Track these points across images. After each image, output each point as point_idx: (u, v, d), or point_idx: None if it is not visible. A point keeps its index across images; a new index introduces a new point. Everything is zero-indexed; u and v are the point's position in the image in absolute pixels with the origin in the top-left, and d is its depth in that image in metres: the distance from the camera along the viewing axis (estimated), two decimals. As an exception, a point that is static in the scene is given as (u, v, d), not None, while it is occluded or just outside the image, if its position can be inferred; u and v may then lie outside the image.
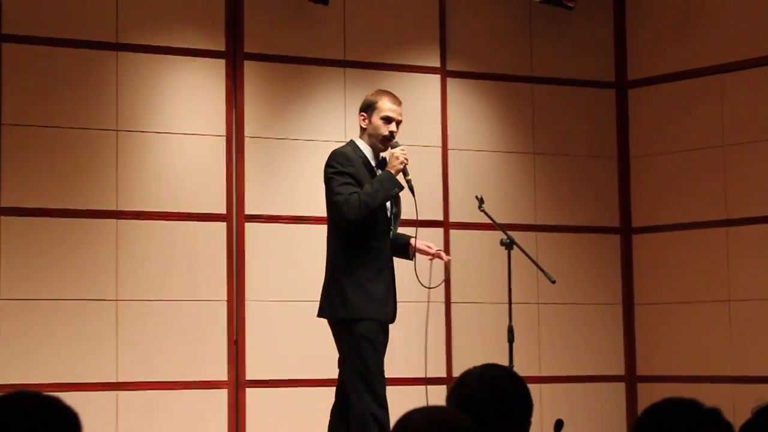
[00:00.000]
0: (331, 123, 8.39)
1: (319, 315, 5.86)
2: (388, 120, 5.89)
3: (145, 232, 7.86)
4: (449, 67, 8.82)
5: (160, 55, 8.04)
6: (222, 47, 8.19)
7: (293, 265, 8.12)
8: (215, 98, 8.15)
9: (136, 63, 7.97)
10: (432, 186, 8.65)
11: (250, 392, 7.96)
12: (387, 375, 8.21)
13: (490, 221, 6.78)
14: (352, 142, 5.97)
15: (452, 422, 2.18)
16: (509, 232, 6.83)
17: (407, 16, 8.72)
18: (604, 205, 9.20)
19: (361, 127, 5.97)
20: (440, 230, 8.61)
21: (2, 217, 7.56)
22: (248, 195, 8.12)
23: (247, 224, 8.08)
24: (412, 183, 5.88)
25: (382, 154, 5.97)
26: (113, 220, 7.80)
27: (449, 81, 8.80)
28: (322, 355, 8.13)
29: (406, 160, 5.79)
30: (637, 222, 9.17)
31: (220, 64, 8.19)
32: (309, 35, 8.42)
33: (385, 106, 5.92)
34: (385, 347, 5.81)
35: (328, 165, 5.81)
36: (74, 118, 7.78)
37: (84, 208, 7.74)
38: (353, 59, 8.53)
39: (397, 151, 5.79)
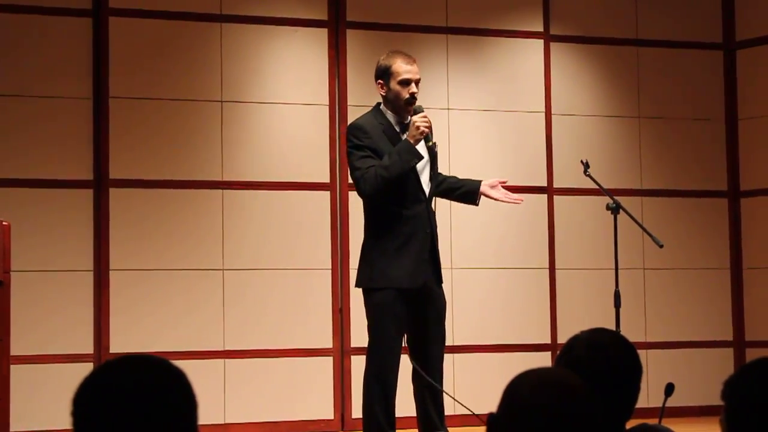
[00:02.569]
0: (434, 90, 8.38)
1: (355, 285, 5.79)
2: (406, 83, 5.58)
3: (251, 202, 7.94)
4: (552, 31, 8.73)
5: (264, 25, 8.10)
6: (324, 16, 8.22)
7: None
8: (318, 67, 8.18)
9: (239, 34, 8.04)
10: (535, 152, 8.60)
11: (355, 360, 8.01)
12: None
13: (594, 186, 6.72)
14: (375, 107, 5.74)
15: (566, 383, 2.15)
16: (615, 197, 6.75)
17: (509, -20, 8.66)
18: (711, 168, 9.05)
19: (381, 95, 5.72)
20: (544, 196, 8.55)
21: (111, 189, 7.69)
22: (351, 163, 8.14)
23: (350, 192, 8.11)
24: (436, 148, 5.64)
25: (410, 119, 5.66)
26: (219, 191, 7.89)
27: (553, 45, 8.72)
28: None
29: (427, 128, 5.50)
30: (745, 185, 9.01)
31: (323, 33, 8.22)
32: (411, 2, 8.41)
33: (401, 68, 5.60)
34: (418, 315, 5.60)
35: (346, 139, 5.67)
36: (180, 89, 7.88)
37: (190, 179, 7.85)
38: (456, 25, 8.50)
39: (417, 118, 5.49)
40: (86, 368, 7.43)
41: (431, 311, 5.64)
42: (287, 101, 8.11)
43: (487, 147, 8.47)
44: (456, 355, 8.19)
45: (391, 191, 5.52)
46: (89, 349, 7.57)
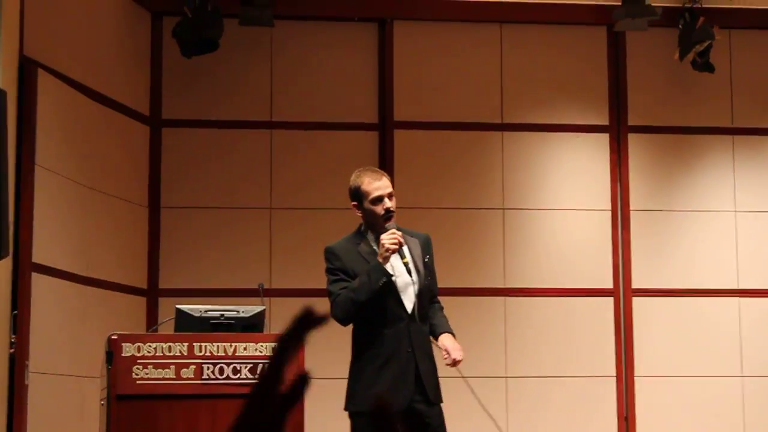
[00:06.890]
0: (720, 192, 8.18)
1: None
2: (378, 200, 5.29)
3: (532, 309, 7.92)
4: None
5: (544, 132, 8.13)
6: (606, 121, 8.18)
7: (685, 339, 7.94)
8: (599, 172, 8.14)
9: (520, 141, 8.10)
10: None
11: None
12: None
13: None
14: (356, 229, 5.44)
15: None
16: None
17: (798, 78, 8.39)
18: None
19: (359, 216, 5.42)
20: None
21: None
22: (635, 269, 8.02)
23: (634, 298, 7.98)
24: (410, 266, 5.26)
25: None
26: (501, 298, 7.91)
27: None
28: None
29: (395, 245, 5.19)
30: None
31: (604, 138, 8.18)
32: (694, 104, 8.26)
33: (371, 187, 5.31)
34: None
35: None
36: (461, 197, 7.98)
37: (473, 287, 7.90)
38: (741, 126, 8.29)
39: (384, 237, 5.19)
40: None
41: None
42: (569, 207, 8.08)
43: (779, 250, 8.17)
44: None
45: (365, 312, 5.24)
46: None
